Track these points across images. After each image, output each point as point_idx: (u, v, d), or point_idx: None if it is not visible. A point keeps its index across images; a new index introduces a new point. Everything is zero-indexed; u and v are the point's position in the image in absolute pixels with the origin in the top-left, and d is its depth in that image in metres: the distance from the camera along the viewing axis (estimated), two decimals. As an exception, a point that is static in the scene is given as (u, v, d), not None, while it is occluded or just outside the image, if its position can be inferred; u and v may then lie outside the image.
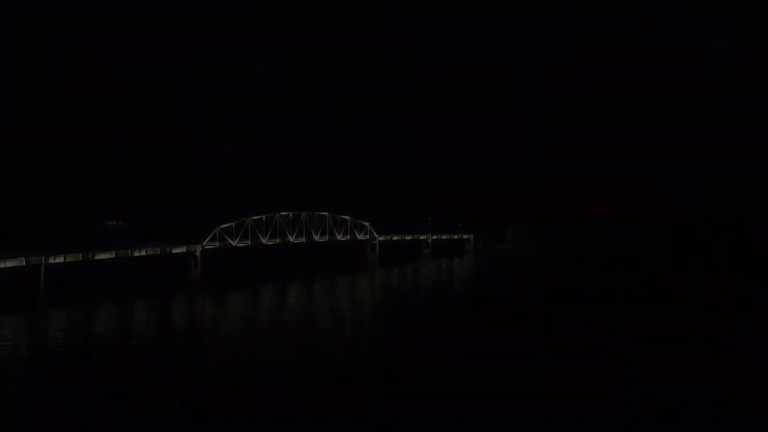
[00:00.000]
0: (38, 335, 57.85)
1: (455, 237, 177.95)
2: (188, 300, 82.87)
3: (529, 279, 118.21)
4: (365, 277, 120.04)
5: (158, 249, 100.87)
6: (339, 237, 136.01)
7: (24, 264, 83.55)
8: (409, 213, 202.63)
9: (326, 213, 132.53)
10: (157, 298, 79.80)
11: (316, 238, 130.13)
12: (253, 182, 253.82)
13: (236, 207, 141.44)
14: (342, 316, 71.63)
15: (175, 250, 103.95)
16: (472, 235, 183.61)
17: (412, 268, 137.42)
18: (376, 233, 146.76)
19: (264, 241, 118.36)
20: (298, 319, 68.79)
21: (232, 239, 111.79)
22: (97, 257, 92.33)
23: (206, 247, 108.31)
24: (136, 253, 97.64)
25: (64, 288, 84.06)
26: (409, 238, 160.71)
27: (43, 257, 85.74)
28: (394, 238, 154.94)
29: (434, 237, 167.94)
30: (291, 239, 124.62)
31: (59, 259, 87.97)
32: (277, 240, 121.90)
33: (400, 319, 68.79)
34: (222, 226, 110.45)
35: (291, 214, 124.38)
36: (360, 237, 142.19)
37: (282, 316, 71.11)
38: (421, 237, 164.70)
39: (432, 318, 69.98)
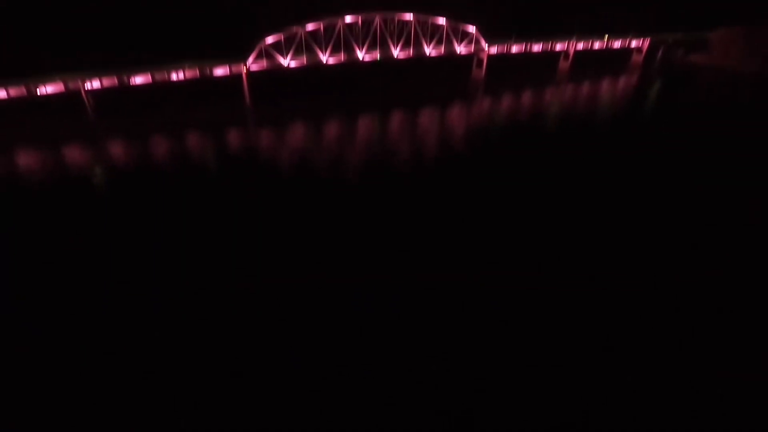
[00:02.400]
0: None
1: (614, 45, 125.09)
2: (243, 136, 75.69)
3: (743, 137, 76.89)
4: (460, 112, 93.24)
5: (197, 70, 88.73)
6: (429, 51, 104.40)
7: (63, 90, 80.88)
8: (537, 9, 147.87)
9: (410, 15, 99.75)
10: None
11: (396, 53, 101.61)
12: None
13: (283, 12, 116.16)
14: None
15: (217, 72, 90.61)
16: (646, 41, 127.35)
17: (535, 97, 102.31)
18: (486, 42, 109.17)
19: (324, 58, 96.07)
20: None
21: (282, 56, 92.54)
22: (133, 81, 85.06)
23: (252, 68, 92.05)
24: (173, 76, 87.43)
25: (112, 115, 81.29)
26: (537, 48, 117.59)
27: (80, 81, 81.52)
28: (513, 49, 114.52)
29: (580, 45, 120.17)
30: (361, 55, 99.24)
31: (96, 83, 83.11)
32: (342, 57, 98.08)
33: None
34: (269, 41, 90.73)
35: (360, 20, 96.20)
36: (461, 50, 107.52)
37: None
38: (558, 45, 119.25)
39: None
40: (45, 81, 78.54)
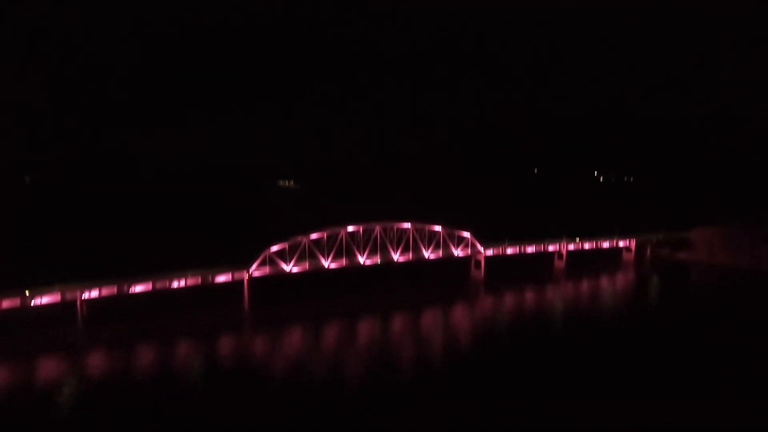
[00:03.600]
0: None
1: (604, 245, 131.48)
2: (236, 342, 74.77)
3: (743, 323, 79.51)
4: (464, 311, 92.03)
5: (200, 278, 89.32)
6: (428, 254, 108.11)
7: (59, 300, 79.48)
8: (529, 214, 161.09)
9: (408, 224, 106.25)
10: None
11: (396, 257, 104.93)
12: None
13: (290, 226, 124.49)
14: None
15: (219, 279, 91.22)
16: (633, 240, 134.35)
17: (537, 295, 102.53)
18: (481, 246, 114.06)
19: (326, 263, 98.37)
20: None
21: (285, 264, 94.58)
22: (133, 289, 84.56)
23: (254, 274, 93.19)
24: (175, 284, 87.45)
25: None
26: (531, 249, 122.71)
27: (78, 291, 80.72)
28: (509, 250, 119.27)
29: (572, 245, 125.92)
30: (362, 260, 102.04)
31: (94, 293, 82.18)
32: (344, 262, 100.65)
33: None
34: (273, 249, 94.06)
35: (361, 229, 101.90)
36: (458, 252, 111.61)
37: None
38: (551, 247, 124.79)
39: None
40: (43, 292, 77.61)
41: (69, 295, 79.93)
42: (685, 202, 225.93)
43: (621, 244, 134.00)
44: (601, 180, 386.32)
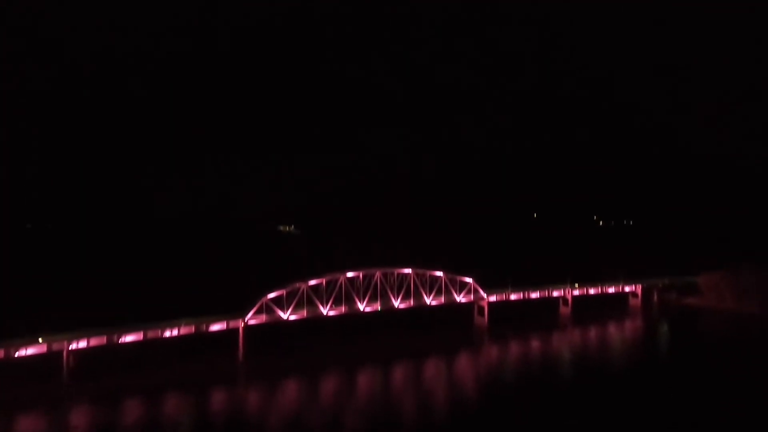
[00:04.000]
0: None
1: (610, 290, 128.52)
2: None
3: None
4: (468, 360, 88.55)
5: (193, 326, 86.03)
6: (429, 300, 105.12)
7: (45, 351, 75.92)
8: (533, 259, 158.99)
9: (409, 270, 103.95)
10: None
11: (397, 303, 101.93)
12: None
13: (289, 271, 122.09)
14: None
15: (214, 327, 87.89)
16: (639, 285, 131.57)
17: (543, 342, 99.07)
18: (484, 291, 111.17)
19: (325, 311, 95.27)
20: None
21: (282, 311, 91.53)
22: (123, 339, 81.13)
23: (250, 322, 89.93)
24: (168, 333, 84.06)
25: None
26: (535, 294, 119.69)
27: (65, 342, 77.28)
28: (512, 296, 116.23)
29: (577, 290, 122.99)
30: (362, 307, 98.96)
31: (82, 343, 78.68)
32: (343, 309, 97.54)
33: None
34: (270, 296, 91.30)
35: (361, 275, 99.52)
36: (460, 299, 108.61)
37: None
38: (555, 292, 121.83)
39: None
40: (27, 343, 74.25)
41: (56, 346, 76.49)
42: (686, 245, 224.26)
43: (627, 289, 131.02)
44: (601, 224, 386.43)
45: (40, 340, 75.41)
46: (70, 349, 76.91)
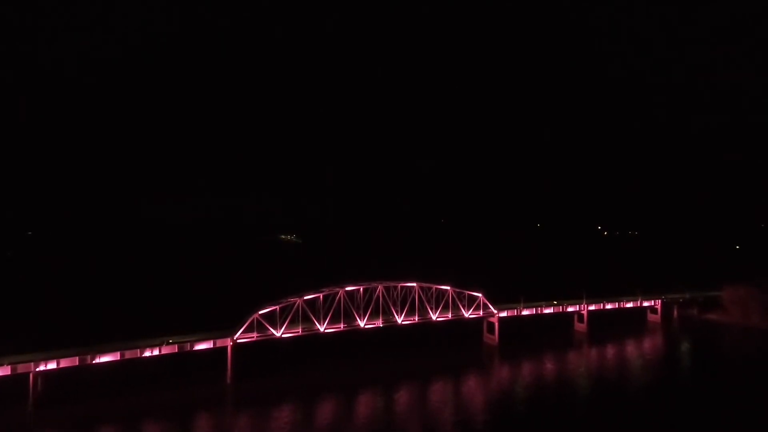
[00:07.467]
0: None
1: (628, 305, 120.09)
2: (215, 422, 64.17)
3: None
4: (477, 382, 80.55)
5: (176, 346, 78.14)
6: (435, 316, 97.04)
7: (9, 373, 68.12)
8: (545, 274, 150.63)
9: (414, 283, 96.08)
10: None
11: (400, 319, 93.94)
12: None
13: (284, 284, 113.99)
14: None
15: (199, 346, 79.99)
16: (658, 300, 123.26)
17: (558, 362, 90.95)
18: (494, 307, 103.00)
19: (321, 328, 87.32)
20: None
21: (275, 328, 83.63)
22: (97, 360, 73.23)
23: (239, 340, 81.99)
24: (147, 353, 76.16)
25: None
26: (549, 310, 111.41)
27: (33, 363, 69.50)
28: (524, 312, 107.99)
29: (592, 306, 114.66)
30: (361, 323, 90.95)
31: (51, 365, 70.88)
32: (341, 326, 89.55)
33: None
34: (262, 312, 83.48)
35: (361, 288, 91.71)
36: (468, 314, 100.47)
37: None
38: (570, 308, 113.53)
39: None
40: (-10, 365, 66.53)
41: (21, 368, 68.73)
42: (694, 256, 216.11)
43: (645, 303, 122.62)
44: (605, 234, 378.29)
45: (5, 362, 67.64)
46: (36, 371, 69.11)
